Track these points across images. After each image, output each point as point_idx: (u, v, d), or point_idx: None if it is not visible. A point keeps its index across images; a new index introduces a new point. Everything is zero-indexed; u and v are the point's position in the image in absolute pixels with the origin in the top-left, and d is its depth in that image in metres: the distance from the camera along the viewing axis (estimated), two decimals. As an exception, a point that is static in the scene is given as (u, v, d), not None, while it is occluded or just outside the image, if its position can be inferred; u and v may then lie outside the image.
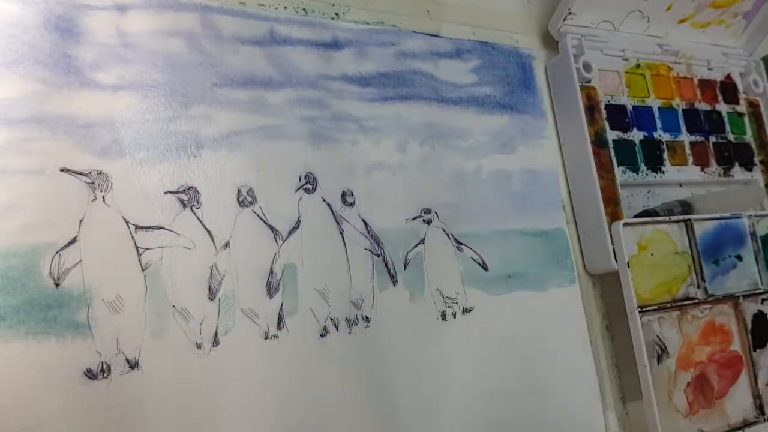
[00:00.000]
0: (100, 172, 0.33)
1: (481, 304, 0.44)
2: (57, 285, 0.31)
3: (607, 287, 0.50)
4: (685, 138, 0.56)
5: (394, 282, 0.41)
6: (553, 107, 0.51)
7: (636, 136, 0.53)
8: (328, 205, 0.40)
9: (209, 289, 0.35)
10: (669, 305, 0.47)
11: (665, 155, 0.54)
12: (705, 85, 0.59)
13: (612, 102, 0.52)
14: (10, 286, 0.30)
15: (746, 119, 0.60)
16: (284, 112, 0.40)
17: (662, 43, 0.57)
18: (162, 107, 0.36)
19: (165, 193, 0.35)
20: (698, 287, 0.49)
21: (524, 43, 0.52)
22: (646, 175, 0.52)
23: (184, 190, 0.35)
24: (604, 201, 0.48)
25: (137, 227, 0.34)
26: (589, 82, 0.51)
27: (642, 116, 0.54)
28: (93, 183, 0.33)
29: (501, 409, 0.42)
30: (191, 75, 0.37)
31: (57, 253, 0.31)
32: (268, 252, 0.37)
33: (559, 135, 0.51)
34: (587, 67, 0.51)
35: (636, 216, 0.51)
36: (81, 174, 0.33)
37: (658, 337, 0.46)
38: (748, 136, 0.60)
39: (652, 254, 0.48)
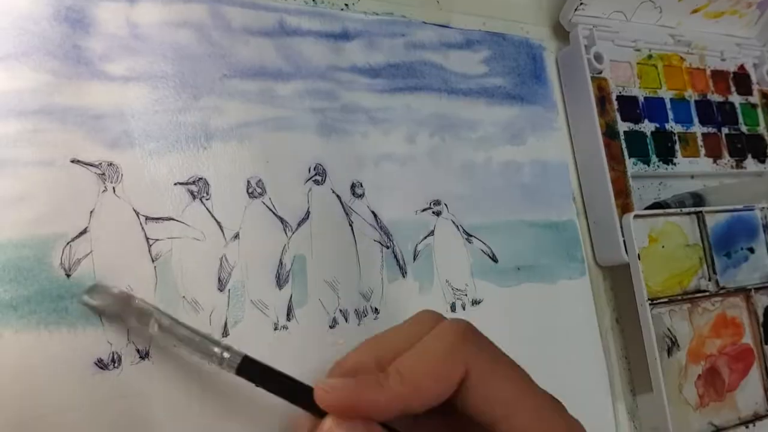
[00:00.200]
0: (110, 164, 0.33)
1: (491, 296, 0.44)
2: (68, 275, 0.31)
3: (617, 279, 0.49)
4: (698, 129, 0.55)
5: (404, 274, 0.41)
6: (563, 98, 0.51)
7: (647, 127, 0.52)
8: (338, 196, 0.40)
9: (219, 280, 0.35)
10: (680, 298, 0.47)
11: (677, 147, 0.53)
12: (718, 75, 0.58)
13: (623, 93, 0.52)
14: (21, 276, 0.30)
15: (759, 110, 0.60)
16: (294, 104, 0.39)
17: (675, 34, 0.56)
18: (171, 98, 0.36)
19: (175, 184, 0.35)
20: (709, 280, 0.49)
21: (535, 34, 0.51)
22: (658, 166, 0.52)
23: (193, 182, 0.36)
24: (615, 193, 0.48)
25: (147, 218, 0.34)
26: (600, 73, 0.51)
27: (654, 107, 0.53)
28: (103, 174, 0.33)
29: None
30: (201, 66, 0.37)
31: (68, 243, 0.31)
32: (278, 243, 0.37)
33: (569, 126, 0.51)
34: (598, 58, 0.50)
35: (647, 208, 0.50)
36: (91, 165, 0.33)
37: (668, 329, 0.46)
38: (762, 128, 0.59)
39: (663, 246, 0.47)
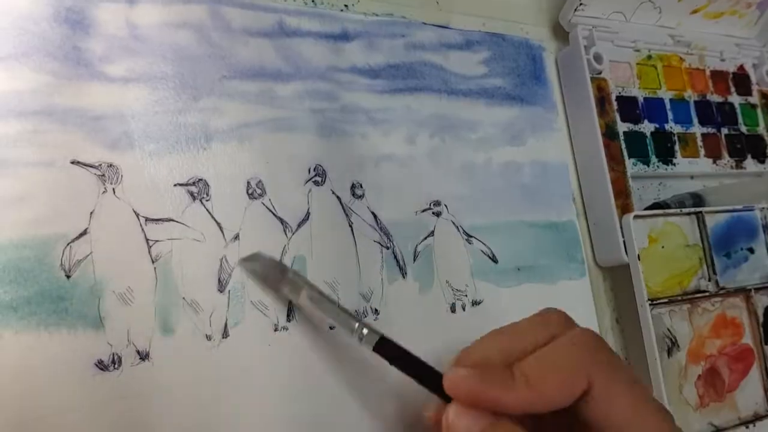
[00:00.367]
0: (110, 165, 0.33)
1: (491, 297, 0.44)
2: (68, 276, 0.31)
3: (617, 280, 0.49)
4: (697, 130, 0.55)
5: (404, 274, 0.41)
6: (563, 99, 0.51)
7: (647, 128, 0.52)
8: (338, 197, 0.40)
9: (219, 281, 0.35)
10: (680, 298, 0.47)
11: (677, 147, 0.53)
12: (717, 76, 0.58)
13: (623, 94, 0.52)
14: (21, 277, 0.30)
15: (759, 111, 0.60)
16: (293, 105, 0.40)
17: (674, 34, 0.56)
18: (171, 99, 0.36)
19: (174, 185, 0.35)
20: (709, 280, 0.49)
21: (534, 35, 0.51)
22: (657, 167, 0.52)
23: (193, 183, 0.36)
24: (615, 193, 0.48)
25: (147, 219, 0.34)
26: (600, 73, 0.51)
27: (653, 108, 0.53)
28: (103, 175, 0.33)
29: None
30: (200, 67, 0.37)
31: (68, 244, 0.31)
32: (278, 244, 0.37)
33: (569, 127, 0.51)
34: (598, 58, 0.50)
35: (647, 208, 0.50)
36: (91, 166, 0.33)
37: (668, 330, 0.46)
38: (761, 128, 0.59)
39: (662, 247, 0.47)
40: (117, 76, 0.35)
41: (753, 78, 0.60)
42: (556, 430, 0.31)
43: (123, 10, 0.35)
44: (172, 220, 0.34)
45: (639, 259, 0.45)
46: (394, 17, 0.45)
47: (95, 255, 0.32)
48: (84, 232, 0.32)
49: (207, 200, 0.36)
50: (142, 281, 0.33)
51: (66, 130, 0.33)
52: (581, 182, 0.50)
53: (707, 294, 0.48)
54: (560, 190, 0.49)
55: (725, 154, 0.56)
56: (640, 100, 0.53)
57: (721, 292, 0.49)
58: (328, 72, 0.41)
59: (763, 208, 0.53)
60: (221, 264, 0.35)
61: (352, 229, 0.40)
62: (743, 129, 0.58)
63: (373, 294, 0.40)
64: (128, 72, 0.35)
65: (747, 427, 0.48)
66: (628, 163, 0.50)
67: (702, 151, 0.55)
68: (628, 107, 0.52)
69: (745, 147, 0.57)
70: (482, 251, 0.44)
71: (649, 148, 0.52)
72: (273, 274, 0.35)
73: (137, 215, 0.34)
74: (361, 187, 0.41)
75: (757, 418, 0.49)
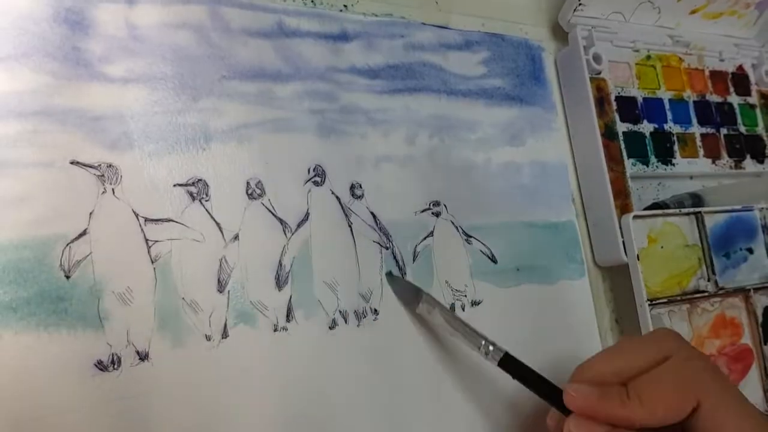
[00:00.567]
0: (109, 165, 0.33)
1: (490, 297, 0.44)
2: (68, 277, 0.31)
3: (616, 280, 0.49)
4: (696, 130, 0.55)
5: (403, 274, 0.41)
6: (562, 99, 0.51)
7: (646, 128, 0.52)
8: (337, 197, 0.40)
9: (218, 281, 0.35)
10: (679, 298, 0.47)
11: (676, 147, 0.54)
12: (716, 76, 0.58)
13: (622, 94, 0.52)
14: (21, 278, 0.30)
15: (758, 111, 0.60)
16: (293, 105, 0.40)
17: (673, 35, 0.56)
18: (171, 100, 0.36)
19: (174, 185, 0.35)
20: (708, 280, 0.49)
21: (534, 35, 0.51)
22: (657, 167, 0.52)
23: (193, 183, 0.36)
24: (614, 193, 0.48)
25: (147, 220, 0.34)
26: (599, 73, 0.51)
27: (652, 108, 0.53)
28: (103, 176, 0.33)
29: (510, 399, 0.42)
30: (200, 67, 0.37)
31: (67, 245, 0.31)
32: (277, 244, 0.37)
33: (568, 127, 0.51)
34: (597, 58, 0.50)
35: (646, 209, 0.50)
36: (91, 167, 0.33)
37: (667, 330, 0.46)
38: (760, 128, 0.59)
39: (662, 247, 0.47)
40: (116, 76, 0.35)
41: (752, 78, 0.60)
42: None
43: (122, 11, 0.35)
44: (172, 221, 0.34)
45: (638, 260, 0.45)
46: (394, 17, 0.45)
47: (95, 255, 0.32)
48: (83, 233, 0.32)
49: (206, 200, 0.36)
50: (141, 281, 0.33)
51: (65, 130, 0.33)
52: (580, 182, 0.50)
53: (706, 294, 0.48)
54: (559, 190, 0.49)
55: (724, 154, 0.56)
56: (640, 100, 0.53)
57: (721, 292, 0.49)
58: (328, 72, 0.41)
59: (762, 208, 0.53)
60: (221, 264, 0.35)
61: (351, 230, 0.40)
62: (742, 129, 0.58)
63: (372, 294, 0.40)
64: (128, 72, 0.35)
65: (746, 427, 0.48)
66: (628, 163, 0.50)
67: (701, 152, 0.55)
68: (628, 107, 0.52)
69: (744, 147, 0.57)
70: (481, 251, 0.44)
71: (648, 148, 0.52)
72: (409, 294, 0.40)
73: (137, 215, 0.34)
74: (361, 187, 0.41)
75: (756, 418, 0.49)
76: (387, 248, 0.41)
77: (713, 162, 0.55)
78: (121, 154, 0.34)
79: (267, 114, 0.39)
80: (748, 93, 0.60)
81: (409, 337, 0.40)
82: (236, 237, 0.36)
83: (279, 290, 0.37)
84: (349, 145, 0.41)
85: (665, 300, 0.46)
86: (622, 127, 0.51)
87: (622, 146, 0.50)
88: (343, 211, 0.40)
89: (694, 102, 0.56)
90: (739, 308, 0.50)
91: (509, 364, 0.36)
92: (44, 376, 0.30)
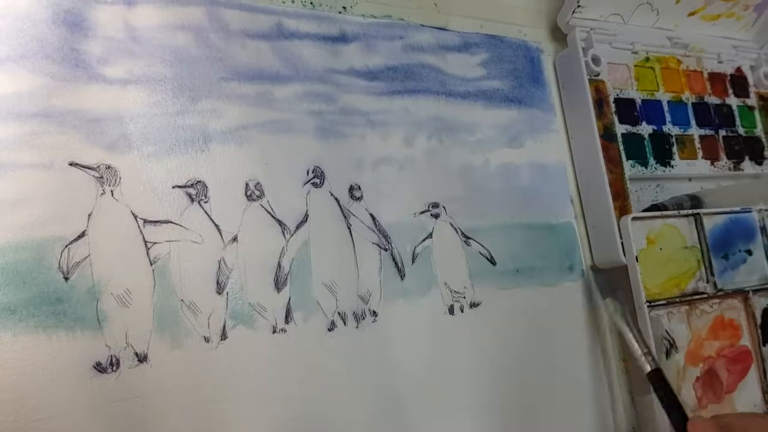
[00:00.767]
0: (108, 167, 0.33)
1: (489, 299, 0.44)
2: (66, 279, 0.31)
3: (615, 282, 0.49)
4: (695, 132, 0.55)
5: (402, 276, 0.41)
6: (561, 101, 0.51)
7: (645, 129, 0.52)
8: (336, 199, 0.40)
9: (217, 283, 0.35)
10: (678, 300, 0.47)
11: (674, 149, 0.54)
12: (715, 78, 0.58)
13: (621, 96, 0.52)
14: (20, 279, 0.30)
15: (756, 113, 0.60)
16: (292, 107, 0.40)
17: (672, 36, 0.56)
18: (170, 101, 0.36)
19: (173, 187, 0.35)
20: (707, 282, 0.49)
21: (533, 37, 0.51)
22: (655, 169, 0.52)
23: (192, 185, 0.36)
24: (613, 195, 0.48)
25: (145, 221, 0.34)
26: (597, 75, 0.51)
27: (651, 110, 0.53)
28: (101, 177, 0.33)
29: (509, 403, 0.42)
30: (199, 69, 0.37)
31: (66, 246, 0.31)
32: (276, 246, 0.37)
33: (567, 129, 0.51)
34: (596, 60, 0.50)
35: (645, 210, 0.50)
36: (89, 168, 0.33)
37: (666, 331, 0.46)
38: (759, 130, 0.60)
39: (661, 249, 0.47)
40: (115, 78, 0.35)
41: (750, 80, 0.60)
42: None
43: (121, 12, 0.35)
44: (171, 222, 0.34)
45: (637, 261, 0.45)
46: (393, 19, 0.45)
47: (93, 257, 0.32)
48: (82, 234, 0.32)
49: (205, 202, 0.36)
50: (140, 283, 0.33)
51: (64, 132, 0.33)
52: (579, 184, 0.50)
53: (705, 296, 0.48)
54: (558, 192, 0.49)
55: (723, 155, 0.56)
56: (638, 101, 0.53)
57: (719, 293, 0.49)
58: (327, 74, 0.41)
59: (761, 209, 0.53)
60: (219, 266, 0.35)
61: (350, 231, 0.40)
62: (741, 131, 0.58)
63: (371, 296, 0.40)
64: (126, 74, 0.35)
65: (745, 429, 0.48)
66: (626, 164, 0.50)
67: (700, 153, 0.55)
68: (626, 109, 0.52)
69: (742, 149, 0.58)
70: (480, 253, 0.44)
71: (647, 149, 0.52)
72: (605, 288, 0.46)
73: (135, 217, 0.34)
74: (360, 188, 0.41)
75: (755, 419, 0.49)
76: (386, 250, 0.41)
77: (712, 164, 0.55)
78: (120, 155, 0.34)
79: (266, 115, 0.39)
80: (746, 95, 0.60)
81: (407, 339, 0.40)
82: (235, 238, 0.36)
83: (278, 292, 0.37)
84: (348, 146, 0.41)
85: (664, 301, 0.46)
86: (620, 129, 0.51)
87: (621, 148, 0.50)
88: (342, 212, 0.40)
89: (693, 104, 0.56)
90: (738, 310, 0.50)
91: (656, 378, 0.41)
92: (43, 378, 0.30)
